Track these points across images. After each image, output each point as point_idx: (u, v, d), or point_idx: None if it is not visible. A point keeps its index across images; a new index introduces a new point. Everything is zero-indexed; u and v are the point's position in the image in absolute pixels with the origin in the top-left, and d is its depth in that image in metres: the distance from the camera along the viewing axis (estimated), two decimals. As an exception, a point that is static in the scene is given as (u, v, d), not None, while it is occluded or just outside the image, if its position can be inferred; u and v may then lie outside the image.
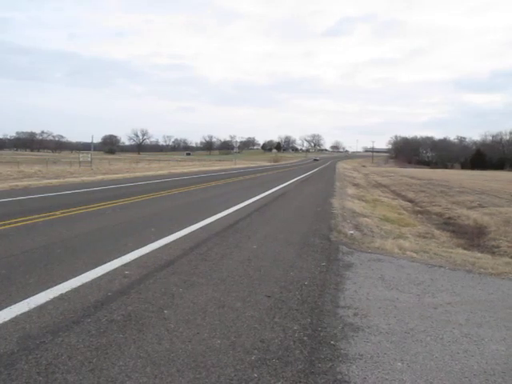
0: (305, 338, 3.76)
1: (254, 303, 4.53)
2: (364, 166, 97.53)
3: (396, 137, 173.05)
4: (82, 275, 5.23)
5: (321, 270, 5.95)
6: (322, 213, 12.33)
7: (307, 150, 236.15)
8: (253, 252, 6.83)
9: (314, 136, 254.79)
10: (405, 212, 16.97)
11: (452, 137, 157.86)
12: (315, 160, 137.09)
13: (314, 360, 3.37)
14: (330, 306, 4.59)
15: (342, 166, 77.52)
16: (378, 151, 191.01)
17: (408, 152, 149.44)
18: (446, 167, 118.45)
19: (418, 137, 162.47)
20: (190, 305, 4.42)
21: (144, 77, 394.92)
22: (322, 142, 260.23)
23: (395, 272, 6.07)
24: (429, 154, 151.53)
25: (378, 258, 6.86)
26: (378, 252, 7.37)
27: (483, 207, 18.60)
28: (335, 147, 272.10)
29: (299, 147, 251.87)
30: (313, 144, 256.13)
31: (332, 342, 3.70)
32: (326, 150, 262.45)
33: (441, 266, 6.52)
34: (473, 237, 12.16)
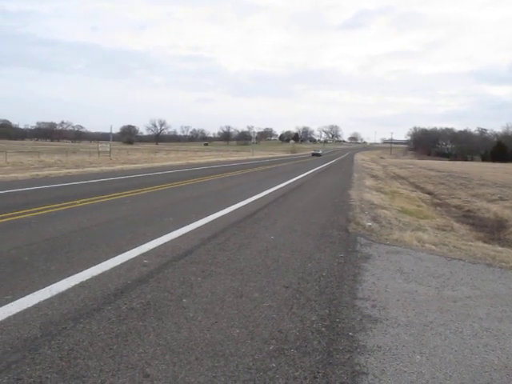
0: (323, 328, 3.76)
1: (272, 293, 4.54)
2: (382, 158, 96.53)
3: (415, 128, 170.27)
4: (102, 263, 5.30)
5: (339, 262, 5.93)
6: (339, 204, 12.27)
7: (325, 141, 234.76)
8: (270, 243, 6.84)
9: (332, 127, 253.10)
10: (423, 204, 16.78)
11: (473, 128, 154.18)
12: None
13: (332, 351, 3.37)
14: (348, 297, 4.58)
15: (360, 158, 76.89)
16: (397, 143, 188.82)
17: (427, 144, 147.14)
18: (465, 159, 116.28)
19: (438, 128, 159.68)
20: (209, 294, 4.45)
21: (163, 68, 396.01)
22: (340, 133, 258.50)
23: (414, 264, 6.02)
24: (448, 146, 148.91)
25: (397, 250, 6.80)
26: (396, 244, 7.31)
27: (504, 200, 18.30)
28: (353, 138, 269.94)
29: (317, 138, 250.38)
30: (331, 135, 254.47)
31: (350, 334, 3.69)
32: (344, 141, 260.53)
33: (460, 259, 6.45)
34: (493, 230, 11.99)
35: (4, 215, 8.44)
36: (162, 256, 5.76)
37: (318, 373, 3.05)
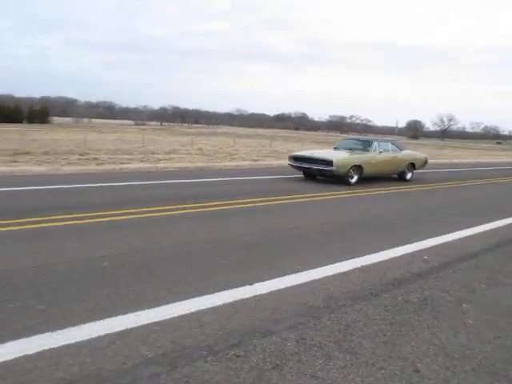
0: None
1: None
2: None
3: None
4: (382, 252, 5.46)
5: None
6: None
7: None
8: None
9: None
10: None
11: None
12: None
13: None
14: None
15: None
16: None
17: None
18: None
19: None
20: (493, 304, 4.07)
21: (455, 61, 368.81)
22: None
23: None
24: None
25: None
26: None
27: None
28: None
29: None
30: None
31: None
32: None
33: None
34: None
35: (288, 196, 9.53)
36: (442, 254, 5.55)
37: None
